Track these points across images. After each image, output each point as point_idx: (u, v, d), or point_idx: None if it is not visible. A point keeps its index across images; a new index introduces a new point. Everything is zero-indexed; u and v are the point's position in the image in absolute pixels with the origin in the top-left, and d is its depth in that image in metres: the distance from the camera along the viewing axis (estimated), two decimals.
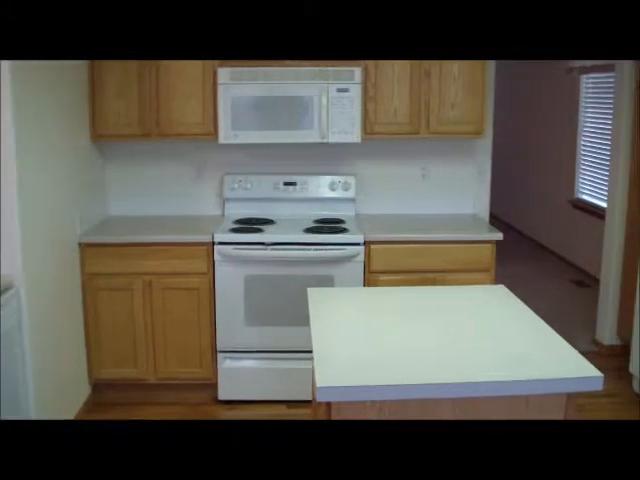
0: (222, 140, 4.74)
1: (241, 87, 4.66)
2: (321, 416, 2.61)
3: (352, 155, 5.28)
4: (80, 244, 4.56)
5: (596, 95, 7.92)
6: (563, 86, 8.61)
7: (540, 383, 2.38)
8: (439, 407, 2.40)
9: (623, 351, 5.45)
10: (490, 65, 5.11)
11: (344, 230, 4.70)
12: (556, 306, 6.92)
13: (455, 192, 5.39)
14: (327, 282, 4.52)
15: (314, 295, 3.32)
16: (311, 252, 4.54)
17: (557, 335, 2.81)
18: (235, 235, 4.58)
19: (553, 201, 9.02)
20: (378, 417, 2.38)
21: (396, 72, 4.83)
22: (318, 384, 2.33)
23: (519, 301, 3.24)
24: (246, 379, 4.70)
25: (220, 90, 4.67)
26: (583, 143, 8.24)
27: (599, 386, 2.42)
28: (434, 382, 2.35)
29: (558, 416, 2.48)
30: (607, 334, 5.77)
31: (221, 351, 4.67)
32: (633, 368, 5.00)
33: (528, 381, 2.38)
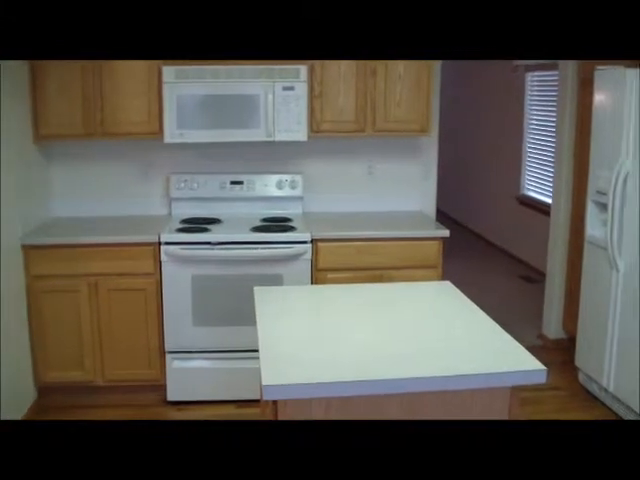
0: (168, 139, 4.70)
1: (186, 85, 4.63)
2: (268, 415, 2.61)
3: (299, 153, 5.28)
4: (23, 246, 4.49)
5: (541, 93, 8.03)
6: (509, 84, 8.71)
7: (484, 377, 2.41)
8: (386, 403, 2.42)
9: (569, 345, 5.53)
10: (435, 64, 5.15)
11: (291, 228, 4.70)
12: (504, 301, 7.01)
13: (402, 189, 5.42)
14: (275, 281, 4.52)
15: (260, 294, 3.31)
16: (258, 251, 4.53)
17: (502, 329, 2.84)
18: (182, 235, 4.55)
19: (500, 198, 9.12)
20: (325, 414, 2.38)
21: (342, 70, 4.84)
22: (264, 382, 2.32)
23: (465, 297, 3.27)
24: (195, 379, 4.67)
25: (165, 89, 4.63)
26: (529, 140, 8.34)
27: (542, 379, 2.45)
28: (380, 378, 2.36)
29: (503, 409, 2.51)
30: (553, 328, 5.86)
31: (169, 352, 4.64)
32: (578, 361, 5.08)
33: (473, 375, 2.40)
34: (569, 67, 5.56)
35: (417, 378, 2.37)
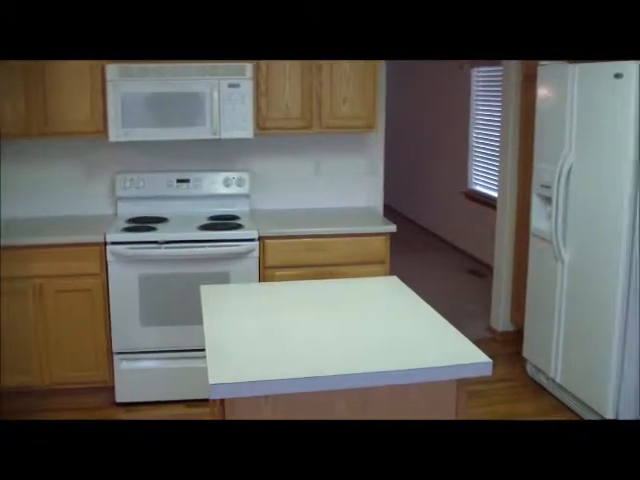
0: (112, 138, 4.65)
1: (131, 83, 4.58)
2: (217, 414, 2.60)
3: (245, 151, 5.26)
4: None
5: (486, 88, 8.11)
6: (455, 79, 8.78)
7: (431, 371, 2.43)
8: (334, 399, 2.42)
9: (516, 337, 5.59)
10: (381, 60, 5.17)
11: (238, 226, 4.68)
12: (453, 295, 7.07)
13: (349, 186, 5.44)
14: (222, 279, 4.50)
15: (207, 292, 3.29)
16: (205, 249, 4.50)
17: (448, 323, 2.86)
18: (128, 234, 4.51)
19: (448, 193, 9.19)
20: (273, 412, 2.37)
21: (287, 67, 4.83)
22: (210, 381, 2.31)
23: (411, 292, 3.29)
24: (144, 380, 4.63)
25: (109, 87, 4.58)
26: (475, 135, 8.42)
27: (488, 371, 2.48)
28: (327, 374, 2.36)
29: (450, 403, 2.52)
30: (501, 321, 5.92)
31: (117, 353, 4.59)
32: (526, 353, 5.14)
33: (419, 369, 2.41)
34: (513, 63, 5.62)
35: (364, 373, 2.38)
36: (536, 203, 4.90)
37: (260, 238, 4.59)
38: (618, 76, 4.02)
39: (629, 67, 3.93)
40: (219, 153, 5.23)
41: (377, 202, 5.51)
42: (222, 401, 2.39)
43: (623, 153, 4.01)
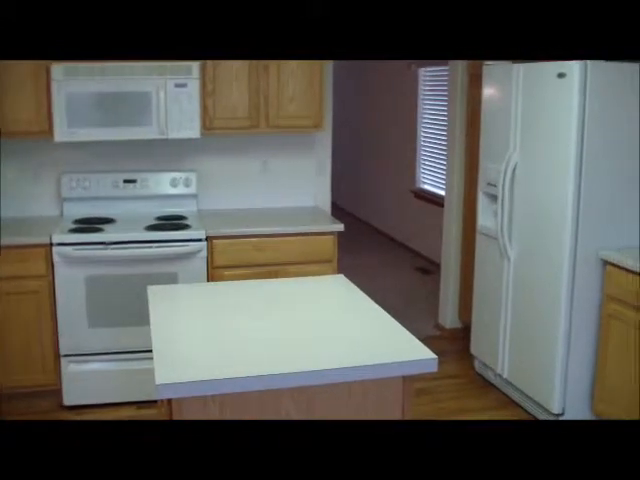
0: (58, 138, 4.59)
1: (77, 83, 4.53)
2: (165, 414, 2.58)
3: (193, 151, 5.24)
4: None
5: (433, 87, 8.18)
6: (403, 79, 8.83)
7: (377, 368, 2.44)
8: (280, 398, 2.42)
9: (464, 334, 5.65)
10: (328, 60, 5.19)
11: (186, 226, 4.66)
12: (401, 293, 7.12)
13: (296, 185, 5.45)
14: (170, 279, 4.48)
15: (155, 293, 3.28)
16: (153, 250, 4.47)
17: (394, 321, 2.88)
18: (74, 235, 4.46)
19: (396, 191, 9.24)
20: (220, 411, 2.37)
21: (234, 67, 4.82)
22: (157, 381, 2.30)
23: (358, 290, 3.31)
24: (93, 382, 4.59)
25: (54, 87, 4.52)
26: (423, 134, 8.49)
27: (434, 367, 2.50)
28: (274, 373, 2.36)
29: (397, 399, 2.54)
30: (449, 318, 5.98)
31: (64, 355, 4.54)
32: (474, 349, 5.19)
33: (365, 366, 2.43)
34: (459, 62, 5.67)
35: (310, 372, 2.38)
36: (482, 201, 4.96)
37: (208, 238, 4.58)
38: (561, 76, 4.08)
39: (572, 67, 3.99)
40: (166, 153, 5.20)
41: (325, 201, 5.53)
42: (170, 401, 2.38)
43: (566, 152, 4.08)
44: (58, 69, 4.49)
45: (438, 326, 6.10)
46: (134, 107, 4.62)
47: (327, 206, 5.52)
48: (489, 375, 5.05)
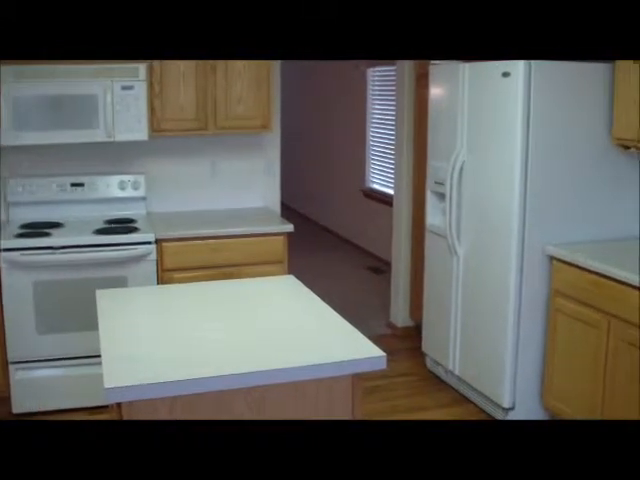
0: (3, 142, 4.52)
1: (23, 86, 4.47)
2: (115, 419, 2.57)
3: (141, 153, 5.21)
4: None
5: (382, 87, 8.22)
6: (352, 79, 8.87)
7: (326, 366, 2.45)
8: (232, 398, 2.42)
9: (416, 332, 5.69)
10: (276, 60, 5.19)
11: (135, 229, 4.63)
12: (353, 293, 7.14)
13: (246, 186, 5.44)
14: (120, 283, 4.44)
15: (103, 297, 3.25)
16: (101, 254, 4.43)
17: (343, 320, 2.89)
18: (21, 240, 4.40)
19: (346, 191, 9.28)
20: (170, 414, 2.36)
21: (181, 68, 4.81)
22: (105, 385, 2.28)
23: (308, 290, 3.32)
24: (43, 389, 4.53)
25: (1, 89, 4.45)
26: (372, 134, 8.53)
27: (383, 365, 2.52)
28: (224, 374, 2.36)
29: (347, 398, 2.55)
30: (400, 317, 6.01)
31: (12, 362, 4.47)
32: (425, 347, 5.23)
33: (314, 365, 2.44)
34: (406, 63, 5.71)
35: (261, 372, 2.39)
36: (430, 199, 5.00)
37: (157, 241, 4.55)
38: (506, 75, 4.14)
39: (516, 66, 4.05)
40: (114, 156, 5.15)
41: (274, 202, 5.53)
42: (119, 405, 2.36)
43: (512, 150, 4.13)
44: (5, 71, 4.41)
45: (390, 325, 6.13)
46: (81, 110, 4.58)
47: (277, 207, 5.52)
48: (441, 372, 5.09)
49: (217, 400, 2.40)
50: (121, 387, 2.28)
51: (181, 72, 4.81)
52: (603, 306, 3.80)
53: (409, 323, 5.99)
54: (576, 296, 3.99)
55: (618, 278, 3.69)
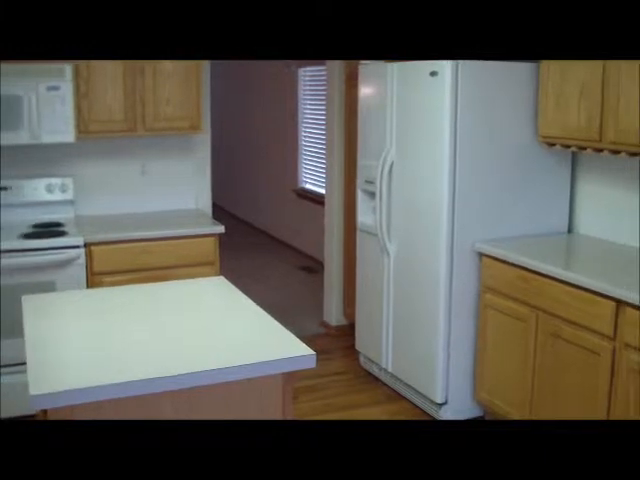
0: None
1: None
2: None
3: (69, 155, 5.12)
4: None
5: (313, 87, 8.24)
6: (283, 79, 8.86)
7: (255, 366, 2.45)
8: (160, 401, 2.39)
9: (350, 331, 5.71)
10: (205, 61, 5.16)
11: (63, 233, 4.55)
12: (286, 293, 7.15)
13: (177, 188, 5.40)
14: (48, 288, 4.36)
15: (29, 302, 3.20)
16: (29, 258, 4.35)
17: (273, 320, 2.89)
18: None
19: (279, 192, 9.27)
20: (98, 418, 2.33)
21: (109, 69, 4.74)
22: (31, 392, 2.24)
23: (237, 290, 3.31)
24: None
25: None
26: (304, 134, 8.54)
27: (312, 364, 2.53)
28: (151, 377, 2.33)
29: (278, 398, 2.55)
30: (334, 316, 6.03)
31: None
32: (359, 345, 5.25)
33: (244, 365, 2.43)
34: (336, 63, 5.73)
35: (189, 374, 2.37)
36: (361, 198, 5.02)
37: (86, 244, 4.48)
38: (433, 74, 4.18)
39: (443, 65, 4.09)
40: (41, 158, 5.06)
41: (206, 203, 5.50)
42: (46, 412, 2.32)
43: (440, 148, 4.18)
44: None
45: (324, 324, 6.15)
46: (5, 111, 4.48)
47: (208, 208, 5.49)
48: (375, 370, 5.12)
49: (144, 403, 2.37)
50: (46, 394, 2.24)
51: (108, 73, 4.75)
52: (531, 300, 3.87)
53: (343, 322, 6.01)
54: (505, 291, 4.05)
55: (543, 272, 3.77)
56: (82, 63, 4.65)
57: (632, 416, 3.31)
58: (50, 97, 4.55)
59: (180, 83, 4.89)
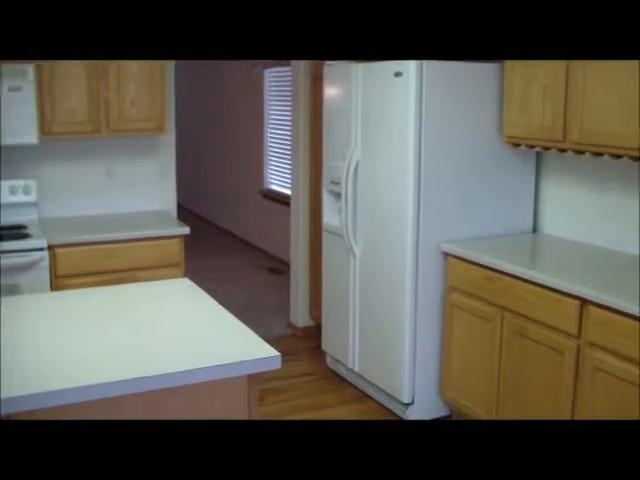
0: None
1: None
2: None
3: (33, 157, 5.06)
4: None
5: (278, 88, 8.23)
6: (249, 80, 8.84)
7: (220, 368, 2.44)
8: (125, 404, 2.38)
9: (316, 332, 5.71)
10: (169, 62, 5.13)
11: (26, 236, 4.50)
12: (253, 294, 7.14)
13: (142, 189, 5.37)
14: (12, 291, 4.30)
15: None
16: None
17: (238, 321, 2.89)
18: None
19: (245, 193, 9.25)
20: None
21: (72, 70, 4.70)
22: None
23: (202, 292, 3.30)
24: None
25: None
26: (270, 135, 8.53)
27: (277, 365, 2.53)
28: (116, 380, 2.32)
29: (243, 399, 2.55)
30: (300, 317, 6.03)
31: None
32: (325, 346, 5.26)
33: (208, 367, 2.42)
34: (301, 63, 5.73)
35: (153, 376, 2.35)
36: (327, 199, 5.03)
37: (50, 247, 4.44)
38: (398, 74, 4.19)
39: (408, 66, 4.10)
40: (3, 160, 4.98)
41: (171, 204, 5.47)
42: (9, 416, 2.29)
43: (405, 148, 4.19)
44: None
45: (290, 325, 6.14)
46: None
47: (173, 209, 5.47)
48: (341, 370, 5.13)
49: (109, 406, 2.36)
50: (11, 398, 2.21)
51: (71, 74, 4.70)
52: (496, 300, 3.89)
53: (309, 323, 6.01)
54: (470, 291, 4.08)
55: (508, 272, 3.79)
56: (44, 63, 4.60)
57: (596, 414, 3.34)
58: (12, 98, 4.50)
59: (145, 84, 4.87)
